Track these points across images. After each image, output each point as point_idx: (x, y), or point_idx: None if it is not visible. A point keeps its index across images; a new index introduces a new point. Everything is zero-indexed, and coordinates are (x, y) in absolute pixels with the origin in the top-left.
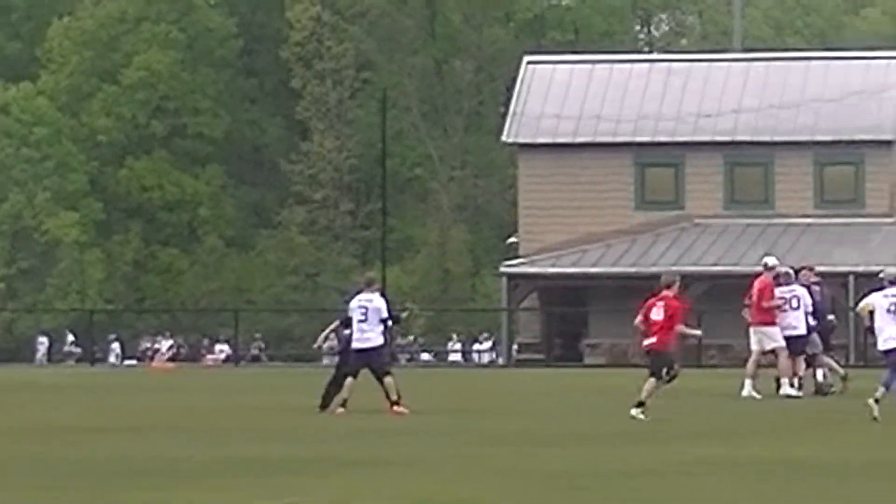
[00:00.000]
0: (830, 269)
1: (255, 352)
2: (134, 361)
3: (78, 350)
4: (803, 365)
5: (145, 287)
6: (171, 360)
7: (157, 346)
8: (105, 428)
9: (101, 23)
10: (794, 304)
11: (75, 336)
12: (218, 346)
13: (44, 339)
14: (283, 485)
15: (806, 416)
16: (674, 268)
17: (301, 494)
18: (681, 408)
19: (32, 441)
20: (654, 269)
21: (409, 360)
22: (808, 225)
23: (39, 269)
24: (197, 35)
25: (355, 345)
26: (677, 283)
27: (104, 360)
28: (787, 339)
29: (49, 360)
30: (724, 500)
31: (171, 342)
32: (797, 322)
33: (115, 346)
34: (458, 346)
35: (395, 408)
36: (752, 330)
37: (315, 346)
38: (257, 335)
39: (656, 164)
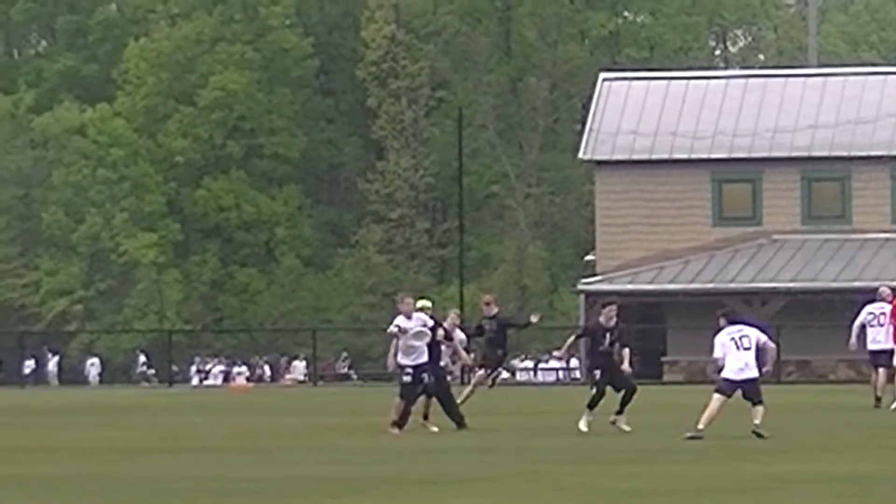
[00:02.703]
0: None
1: (342, 370)
2: (213, 382)
3: (150, 371)
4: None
5: (223, 307)
6: (247, 379)
7: (208, 367)
8: (178, 449)
9: (177, 44)
10: (881, 320)
11: (147, 357)
12: (296, 363)
13: (95, 361)
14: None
15: (881, 431)
16: (751, 284)
17: None
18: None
19: (105, 461)
20: (731, 286)
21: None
22: (886, 240)
23: (117, 291)
24: (273, 55)
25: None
26: None
27: (183, 380)
28: (871, 352)
29: (101, 381)
30: None
31: (222, 365)
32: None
33: (197, 367)
34: (530, 363)
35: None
36: None
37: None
38: (344, 354)
39: (733, 179)
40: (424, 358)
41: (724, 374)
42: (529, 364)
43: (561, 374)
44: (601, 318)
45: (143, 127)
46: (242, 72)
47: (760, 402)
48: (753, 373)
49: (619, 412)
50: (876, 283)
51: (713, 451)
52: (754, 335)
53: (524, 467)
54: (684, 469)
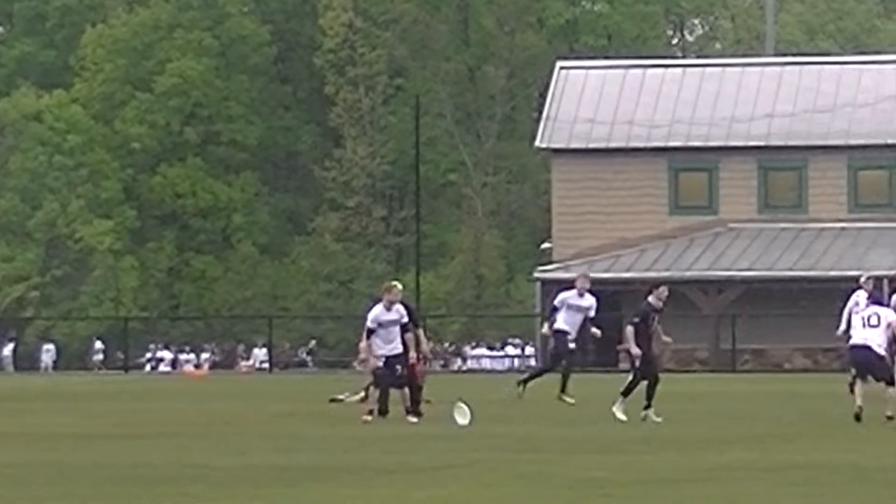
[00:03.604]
0: (863, 273)
1: (304, 356)
2: (166, 368)
3: (98, 357)
4: None
5: (179, 294)
6: (196, 366)
7: (158, 355)
8: (133, 434)
9: (135, 30)
10: None
11: (104, 344)
12: (255, 351)
13: (49, 347)
14: (310, 493)
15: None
16: (707, 272)
17: (329, 503)
18: (712, 413)
19: (61, 447)
20: (688, 274)
21: (442, 367)
22: (843, 229)
23: (74, 277)
24: (230, 42)
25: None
26: None
27: (138, 367)
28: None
29: (55, 368)
30: None
31: (169, 353)
32: None
33: (162, 354)
34: (486, 350)
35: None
36: None
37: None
38: (313, 342)
39: (690, 168)
40: (399, 348)
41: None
42: (485, 351)
43: (517, 361)
44: (651, 300)
45: (100, 113)
46: (200, 58)
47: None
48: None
49: (648, 405)
50: (832, 273)
51: (670, 441)
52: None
53: (484, 455)
54: (643, 459)
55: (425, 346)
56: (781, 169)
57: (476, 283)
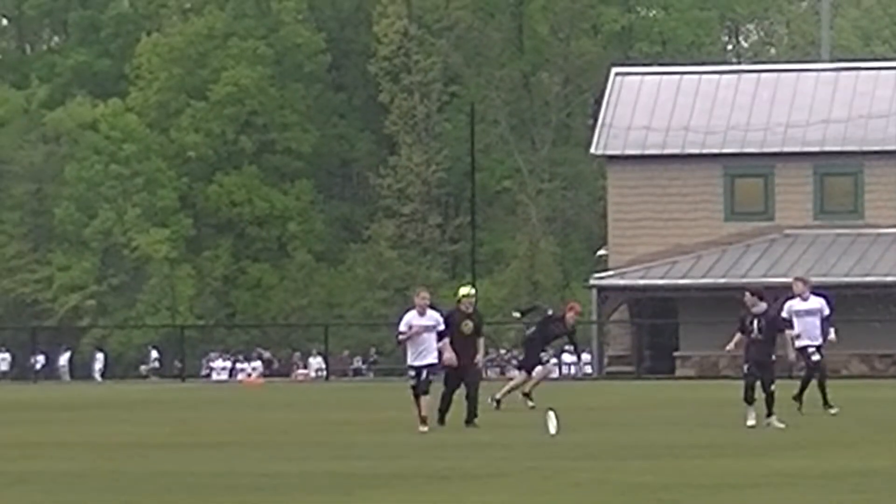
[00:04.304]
0: None
1: (360, 364)
2: (222, 377)
3: (149, 367)
4: None
5: (235, 302)
6: (262, 375)
7: (211, 363)
8: (191, 444)
9: (190, 39)
10: None
11: (160, 353)
12: (311, 360)
13: (99, 356)
14: (367, 500)
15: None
16: (763, 279)
17: None
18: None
19: (119, 456)
20: (744, 281)
21: (500, 374)
22: None
23: (130, 286)
24: (285, 50)
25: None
26: None
27: (196, 375)
28: None
29: (103, 376)
30: None
31: (227, 361)
32: None
33: (219, 363)
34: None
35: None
36: None
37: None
38: (372, 349)
39: (746, 174)
40: (434, 358)
41: None
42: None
43: (573, 368)
44: (748, 304)
45: (155, 122)
46: (254, 67)
47: None
48: None
49: (769, 413)
50: (889, 279)
51: (727, 446)
52: None
53: (537, 463)
54: (698, 464)
55: (480, 356)
56: (837, 174)
57: (531, 289)
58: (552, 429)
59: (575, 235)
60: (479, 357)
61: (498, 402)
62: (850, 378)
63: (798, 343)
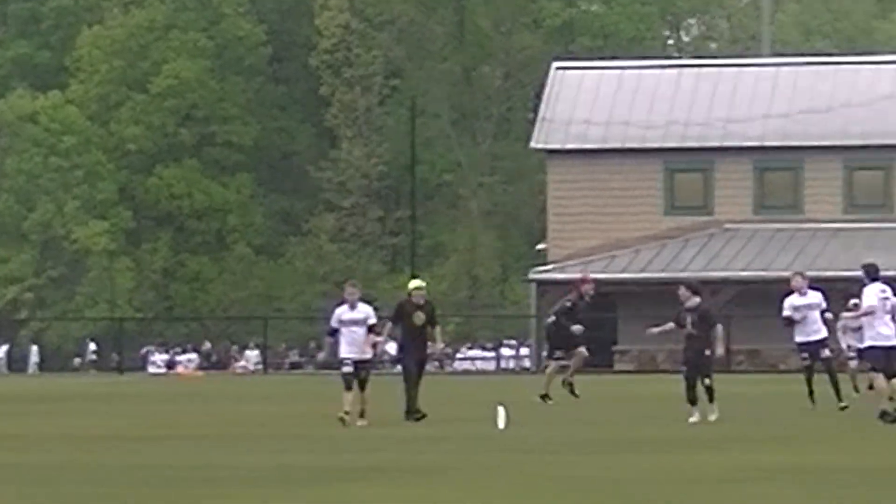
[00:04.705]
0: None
1: (298, 357)
2: (158, 370)
3: (96, 359)
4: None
5: (174, 295)
6: (199, 368)
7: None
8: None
9: (131, 31)
10: None
11: (97, 345)
12: (247, 352)
13: (34, 349)
14: (306, 493)
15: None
16: (702, 273)
17: (325, 503)
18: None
19: (63, 449)
20: (683, 275)
21: (439, 368)
22: (838, 230)
23: (69, 278)
24: (226, 43)
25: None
26: None
27: (134, 368)
28: None
29: (40, 369)
30: None
31: (165, 354)
32: None
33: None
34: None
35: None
36: None
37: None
38: (312, 342)
39: (685, 169)
40: (368, 354)
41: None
42: (480, 353)
43: (512, 362)
44: (682, 298)
45: (95, 114)
46: (195, 59)
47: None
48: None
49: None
50: (828, 274)
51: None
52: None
53: (482, 458)
54: (637, 459)
55: (440, 345)
56: (777, 169)
57: (471, 283)
58: (501, 423)
59: (515, 229)
60: (439, 346)
61: (544, 396)
62: (787, 372)
63: (798, 339)
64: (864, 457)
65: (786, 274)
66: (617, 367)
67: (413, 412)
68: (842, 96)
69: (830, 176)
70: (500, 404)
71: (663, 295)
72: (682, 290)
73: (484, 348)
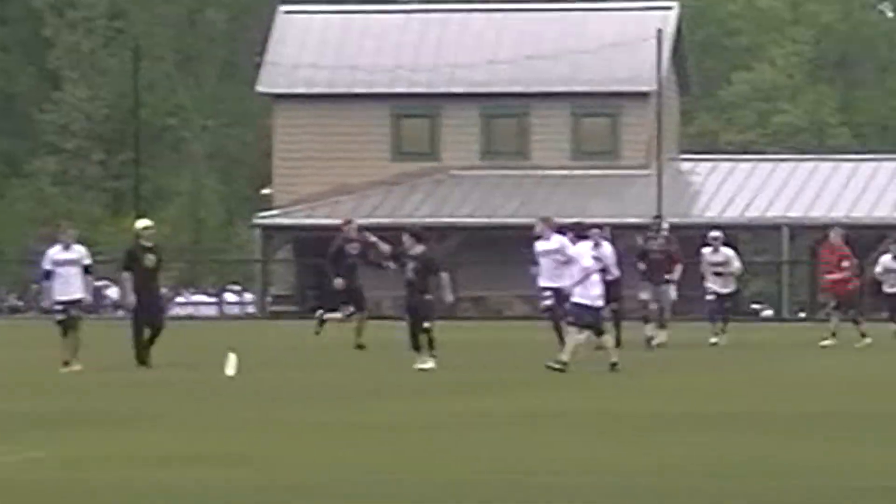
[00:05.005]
0: (586, 220)
1: (16, 301)
2: None
3: None
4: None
5: None
6: None
7: None
8: None
9: None
10: None
11: None
12: None
13: None
14: (25, 439)
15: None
16: (429, 219)
17: (41, 449)
18: (441, 362)
19: None
20: (409, 221)
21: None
22: (564, 177)
23: None
24: None
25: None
26: None
27: None
28: None
29: None
30: (471, 453)
31: None
32: None
33: None
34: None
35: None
36: None
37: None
38: (34, 286)
39: (412, 114)
40: (79, 293)
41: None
42: (203, 298)
43: (236, 308)
44: (405, 245)
45: None
46: None
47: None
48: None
49: (431, 349)
50: (556, 221)
51: (403, 388)
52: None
53: (203, 405)
54: (375, 406)
55: (449, 296)
56: (504, 116)
57: (195, 227)
58: (230, 370)
59: (239, 173)
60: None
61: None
62: (512, 319)
63: (542, 283)
64: (586, 402)
65: (512, 220)
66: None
67: (142, 360)
68: (569, 43)
69: (557, 123)
70: (231, 350)
71: (389, 242)
72: (406, 238)
73: (207, 294)
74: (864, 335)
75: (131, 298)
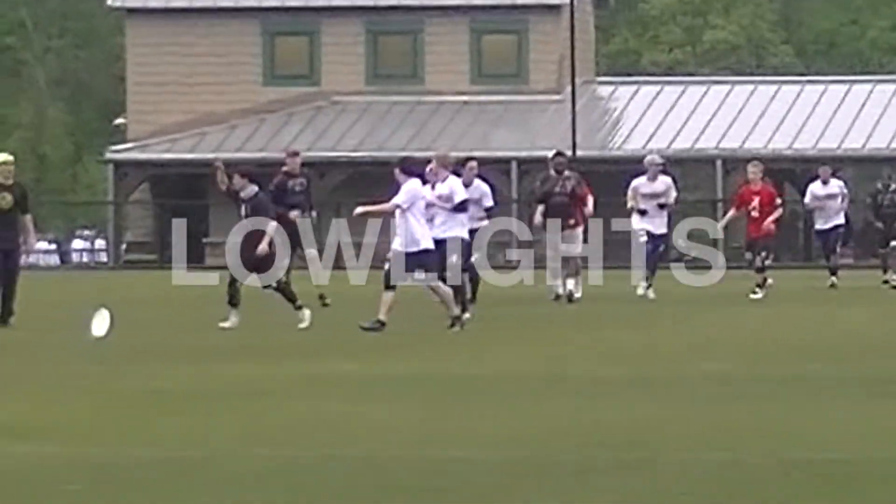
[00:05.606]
0: (489, 154)
1: None
2: None
3: None
4: None
5: None
6: None
7: None
8: None
9: None
10: None
11: None
12: None
13: None
14: None
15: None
16: (309, 153)
17: None
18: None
19: None
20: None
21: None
22: (465, 103)
23: None
24: None
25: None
26: None
27: None
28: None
29: None
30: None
31: None
32: None
33: None
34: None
35: None
36: None
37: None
38: None
39: (288, 32)
40: None
41: None
42: (50, 246)
43: (85, 256)
44: (236, 186)
45: None
46: None
47: None
48: None
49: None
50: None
51: (255, 349)
52: None
53: (43, 369)
54: (221, 368)
55: (32, 238)
56: (394, 33)
57: (38, 164)
58: (99, 330)
59: (88, 102)
60: (32, 240)
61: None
62: None
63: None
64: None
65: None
66: (209, 261)
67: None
68: None
69: (455, 40)
70: (104, 307)
71: (264, 177)
72: (237, 178)
73: (49, 241)
74: (759, 286)
75: None
